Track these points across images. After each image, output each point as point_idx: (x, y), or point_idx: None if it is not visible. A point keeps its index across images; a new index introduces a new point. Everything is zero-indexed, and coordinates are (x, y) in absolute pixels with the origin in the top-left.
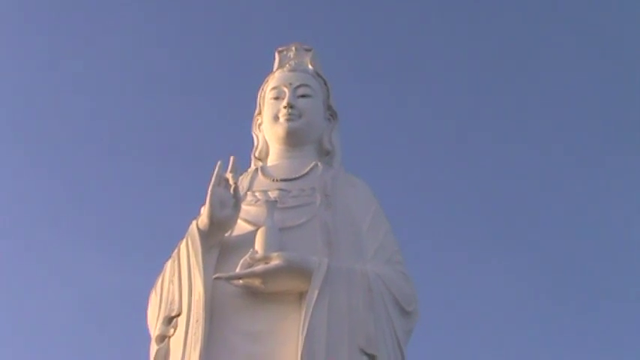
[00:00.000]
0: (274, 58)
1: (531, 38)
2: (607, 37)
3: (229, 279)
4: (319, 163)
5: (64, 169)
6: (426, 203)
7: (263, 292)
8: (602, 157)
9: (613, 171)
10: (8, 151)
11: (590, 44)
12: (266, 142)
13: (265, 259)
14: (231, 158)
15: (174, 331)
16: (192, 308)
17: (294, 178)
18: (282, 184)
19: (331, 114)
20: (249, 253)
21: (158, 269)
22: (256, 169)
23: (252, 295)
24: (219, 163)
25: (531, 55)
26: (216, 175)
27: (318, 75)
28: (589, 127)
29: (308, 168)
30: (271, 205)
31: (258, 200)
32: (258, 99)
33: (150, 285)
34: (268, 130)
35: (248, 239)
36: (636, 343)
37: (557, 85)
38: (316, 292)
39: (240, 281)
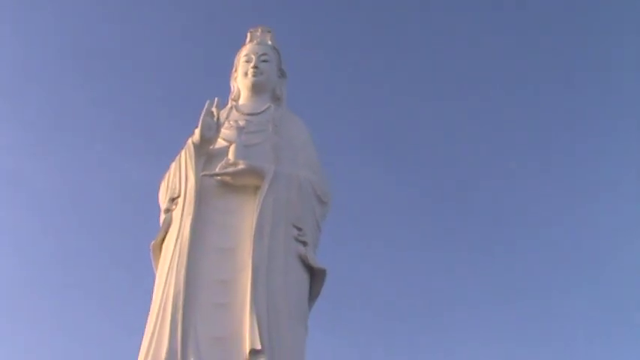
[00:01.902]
0: (246, 36)
1: None
2: None
3: (212, 175)
4: (272, 105)
5: (107, 81)
6: (337, 132)
7: (232, 185)
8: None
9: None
10: (53, 63)
11: None
12: (239, 90)
13: (235, 164)
14: (216, 99)
15: (175, 207)
16: (187, 193)
17: (256, 114)
18: (248, 117)
19: (282, 73)
20: (225, 160)
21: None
22: (232, 107)
23: (226, 186)
24: (208, 101)
25: None
26: (206, 108)
27: (274, 48)
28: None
29: (265, 107)
30: (240, 130)
31: (232, 126)
32: (235, 61)
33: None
34: (241, 81)
35: (224, 151)
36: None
37: None
38: (266, 186)
39: (218, 177)
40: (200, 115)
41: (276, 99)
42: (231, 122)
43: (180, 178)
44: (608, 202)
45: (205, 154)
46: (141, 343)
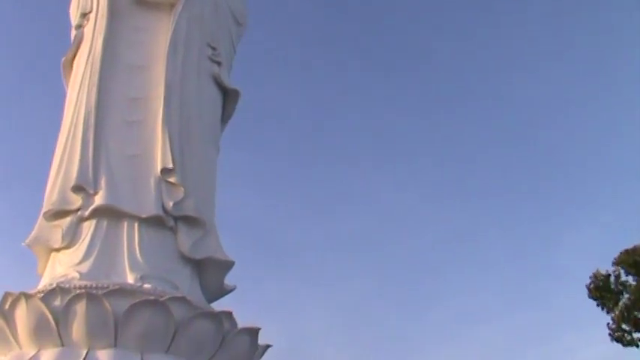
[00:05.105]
0: None
1: None
2: None
3: None
4: None
5: None
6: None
7: (147, 1)
8: None
9: None
10: None
11: None
12: None
13: None
14: None
15: (87, 23)
16: (99, 8)
17: None
18: None
19: None
20: None
21: None
22: None
23: (140, 3)
24: None
25: None
26: None
27: None
28: None
29: None
30: None
31: None
32: None
33: None
34: None
35: None
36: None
37: None
38: (181, 4)
39: None
40: None
41: None
42: None
43: None
44: None
45: None
46: (52, 162)
